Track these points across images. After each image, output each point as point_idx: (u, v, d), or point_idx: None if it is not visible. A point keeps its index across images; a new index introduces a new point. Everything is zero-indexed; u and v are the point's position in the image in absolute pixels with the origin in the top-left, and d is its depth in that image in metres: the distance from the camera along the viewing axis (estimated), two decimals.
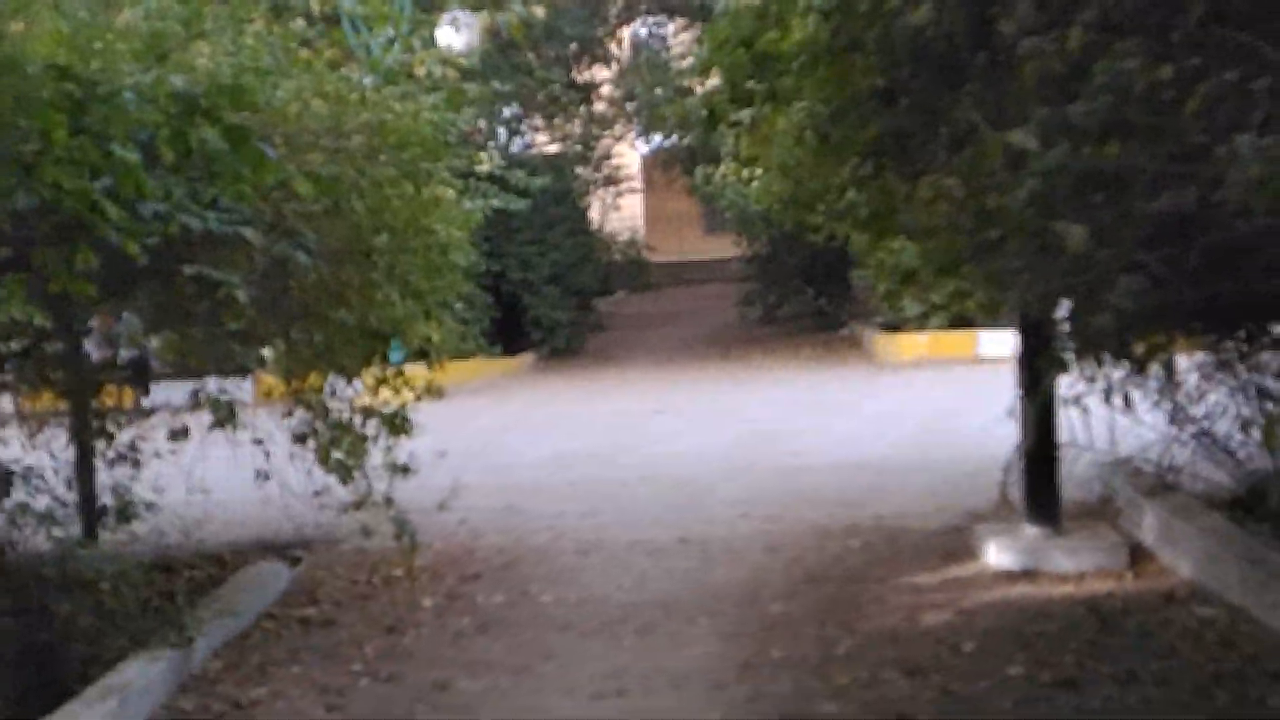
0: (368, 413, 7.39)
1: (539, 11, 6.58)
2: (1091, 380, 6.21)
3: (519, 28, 6.61)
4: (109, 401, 7.83)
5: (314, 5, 7.03)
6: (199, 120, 4.50)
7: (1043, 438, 7.36)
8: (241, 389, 7.79)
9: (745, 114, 5.64)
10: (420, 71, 7.16)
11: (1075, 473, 7.72)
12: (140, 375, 8.19)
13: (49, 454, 7.43)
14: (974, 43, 4.72)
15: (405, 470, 7.35)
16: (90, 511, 7.84)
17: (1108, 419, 6.92)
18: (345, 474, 7.10)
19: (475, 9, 6.94)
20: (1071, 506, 7.63)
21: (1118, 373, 6.20)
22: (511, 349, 19.77)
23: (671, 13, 24.99)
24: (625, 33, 26.67)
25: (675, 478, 10.11)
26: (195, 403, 7.17)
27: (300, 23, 7.30)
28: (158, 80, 5.24)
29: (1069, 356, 4.54)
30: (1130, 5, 4.06)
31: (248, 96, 4.42)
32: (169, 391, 7.93)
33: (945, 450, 10.60)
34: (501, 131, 23.12)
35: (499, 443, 12.48)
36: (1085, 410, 6.82)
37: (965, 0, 4.18)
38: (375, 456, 7.50)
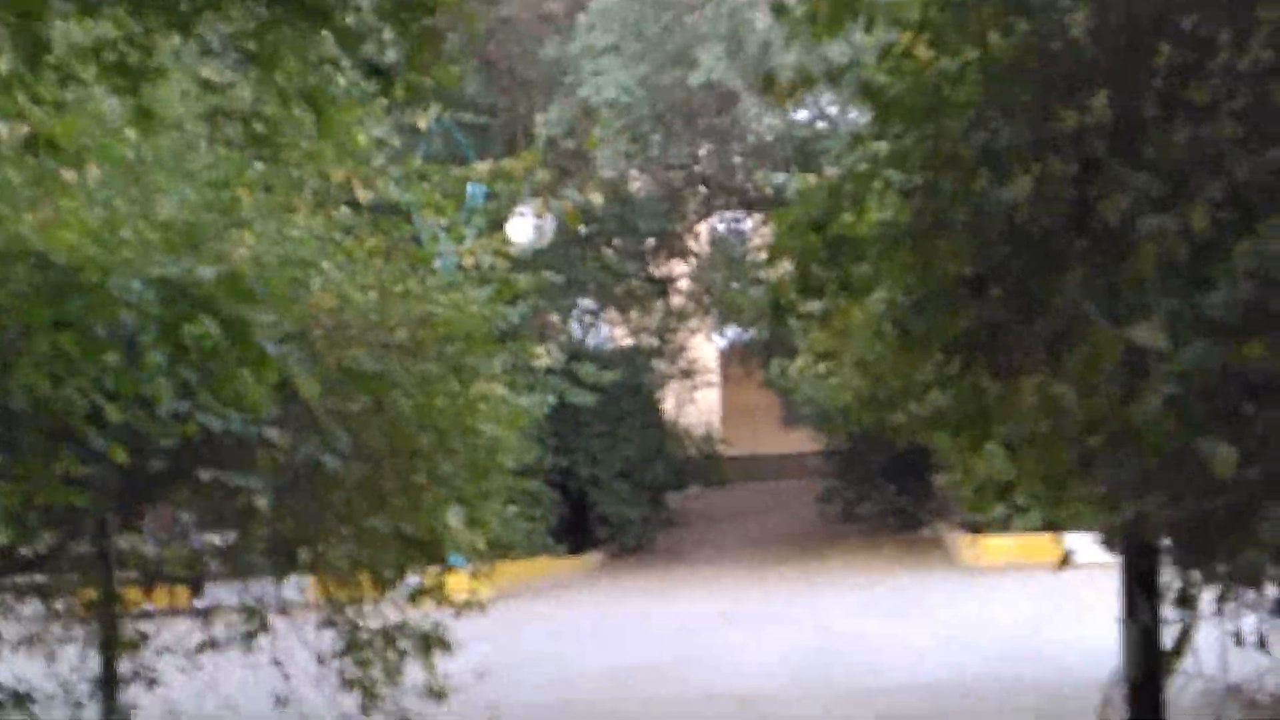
0: (401, 630, 6.76)
1: (597, 199, 6.13)
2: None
3: (574, 216, 6.14)
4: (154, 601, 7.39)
5: (360, 193, 6.60)
6: (196, 313, 4.00)
7: (1148, 663, 6.59)
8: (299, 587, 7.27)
9: (815, 305, 5.06)
10: (469, 262, 6.69)
11: (1181, 701, 6.91)
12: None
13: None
14: (1077, 223, 4.14)
15: (441, 695, 6.68)
16: None
17: (1217, 640, 6.18)
18: (370, 701, 6.45)
19: (531, 196, 6.50)
20: None
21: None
22: (578, 546, 19.06)
23: (750, 207, 24.77)
24: (703, 227, 26.48)
25: (743, 696, 9.28)
26: (204, 612, 6.60)
27: (345, 210, 6.90)
28: (188, 272, 4.83)
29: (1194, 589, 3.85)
30: (1262, 180, 3.47)
31: (245, 286, 3.93)
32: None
33: (1038, 667, 9.78)
34: (575, 325, 22.84)
35: (556, 652, 11.71)
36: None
37: (1067, 174, 3.61)
38: (412, 674, 6.88)
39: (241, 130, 4.25)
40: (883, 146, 4.64)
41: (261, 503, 5.40)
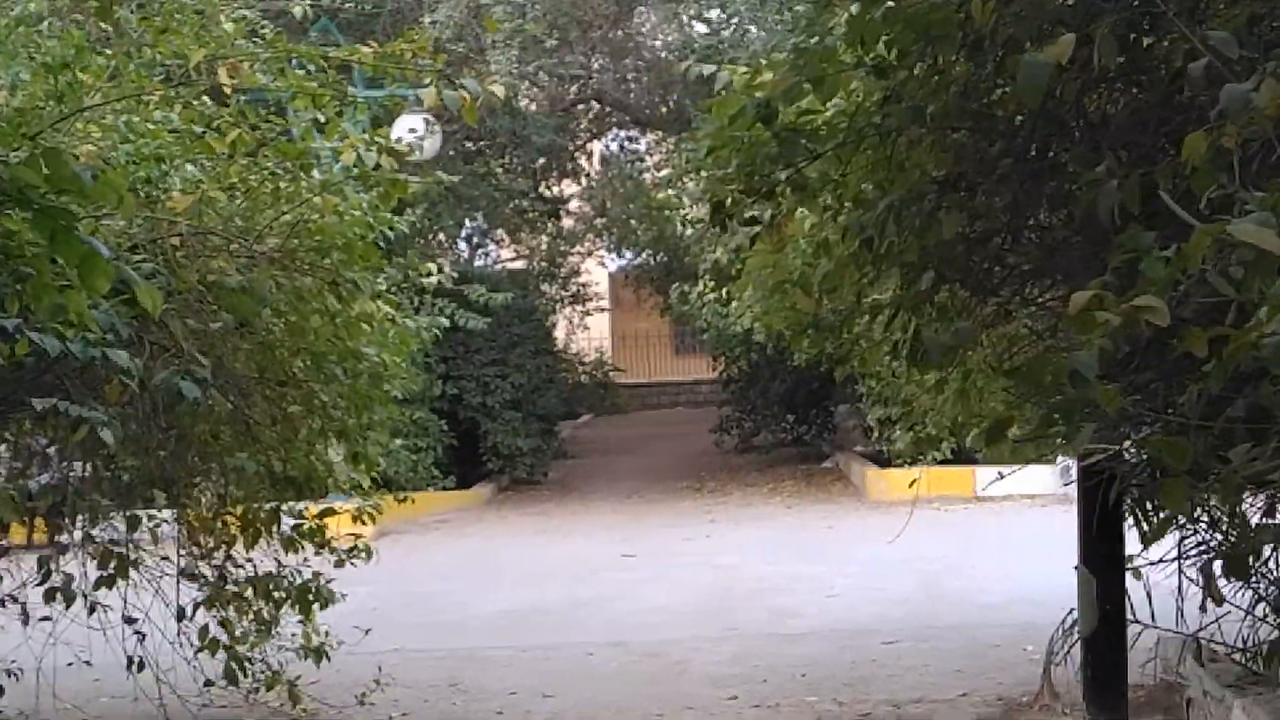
0: (274, 580, 5.96)
1: (499, 91, 5.33)
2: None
3: (472, 109, 5.32)
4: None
5: (223, 78, 5.67)
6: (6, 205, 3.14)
7: (1111, 615, 6.07)
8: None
9: (763, 210, 4.30)
10: (348, 158, 5.80)
11: (1134, 656, 6.42)
12: (58, 507, 6.79)
13: None
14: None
15: (320, 655, 5.91)
16: None
17: (1173, 587, 5.70)
18: (239, 666, 5.65)
19: (418, 87, 5.67)
20: (1130, 694, 6.34)
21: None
22: (466, 480, 18.22)
23: (645, 126, 23.85)
24: (595, 146, 25.56)
25: (646, 645, 8.61)
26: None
27: (206, 101, 5.98)
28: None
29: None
30: None
31: (67, 168, 3.05)
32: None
33: (959, 611, 9.30)
34: (462, 245, 21.91)
35: (445, 594, 10.94)
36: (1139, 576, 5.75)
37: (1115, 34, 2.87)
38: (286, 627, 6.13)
39: None
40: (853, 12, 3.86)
41: (107, 435, 4.54)
